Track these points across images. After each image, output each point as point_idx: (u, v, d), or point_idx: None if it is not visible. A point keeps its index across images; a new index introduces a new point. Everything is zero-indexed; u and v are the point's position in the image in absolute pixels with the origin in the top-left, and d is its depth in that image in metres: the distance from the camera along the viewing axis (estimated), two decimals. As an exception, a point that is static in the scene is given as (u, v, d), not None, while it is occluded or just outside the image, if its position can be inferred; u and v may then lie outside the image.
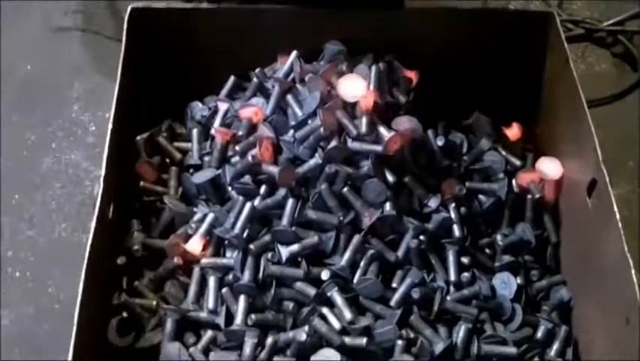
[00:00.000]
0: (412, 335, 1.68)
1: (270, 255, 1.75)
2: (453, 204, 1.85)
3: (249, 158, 1.82)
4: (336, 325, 1.65)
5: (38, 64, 2.60)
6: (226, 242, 1.79)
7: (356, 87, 1.81)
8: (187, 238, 1.82)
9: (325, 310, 1.68)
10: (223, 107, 2.02)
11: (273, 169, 1.80)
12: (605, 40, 2.71)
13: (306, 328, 1.64)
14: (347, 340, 1.63)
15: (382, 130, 1.79)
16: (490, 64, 2.10)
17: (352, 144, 1.79)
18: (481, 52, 2.09)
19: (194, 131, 2.02)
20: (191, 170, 1.98)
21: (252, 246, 1.74)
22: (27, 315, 2.04)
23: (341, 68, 1.91)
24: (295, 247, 1.74)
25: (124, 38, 1.95)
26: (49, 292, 2.08)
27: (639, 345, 1.52)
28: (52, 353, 1.94)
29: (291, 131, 1.86)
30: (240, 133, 1.89)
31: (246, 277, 1.72)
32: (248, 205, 1.77)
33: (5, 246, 2.16)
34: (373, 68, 1.90)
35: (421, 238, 1.77)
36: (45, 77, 2.58)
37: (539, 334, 1.79)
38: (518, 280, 1.82)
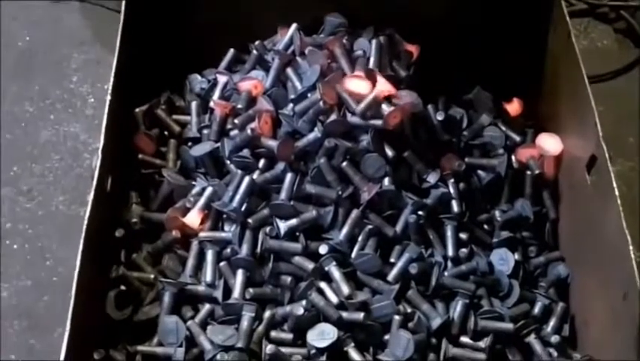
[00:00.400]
0: (409, 310, 1.67)
1: (268, 229, 1.74)
2: (452, 180, 1.84)
3: (248, 131, 1.81)
4: (334, 299, 1.65)
5: (37, 35, 2.59)
6: (224, 216, 1.79)
7: (361, 87, 1.78)
8: (185, 211, 1.82)
9: (323, 285, 1.68)
10: (222, 79, 2.01)
11: (272, 143, 1.79)
12: (608, 16, 2.70)
13: (304, 302, 1.64)
14: (344, 315, 1.63)
15: (382, 104, 1.78)
16: (491, 38, 2.08)
17: (352, 118, 1.78)
18: (483, 26, 2.07)
19: (193, 104, 2.01)
20: (189, 143, 1.97)
21: (250, 220, 1.74)
22: (26, 287, 2.05)
23: (341, 41, 1.90)
24: (293, 222, 1.74)
25: (123, 9, 1.93)
26: (48, 264, 2.08)
27: (637, 321, 1.52)
28: (51, 326, 1.95)
29: (291, 105, 1.85)
30: (239, 106, 1.88)
31: (244, 250, 1.72)
32: (246, 179, 1.76)
33: (4, 218, 2.16)
34: (374, 42, 1.89)
35: (420, 213, 1.77)
36: (44, 48, 2.57)
37: (536, 310, 1.79)
38: (516, 256, 1.82)
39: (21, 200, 2.20)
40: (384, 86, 1.77)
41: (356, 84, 1.79)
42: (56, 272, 2.07)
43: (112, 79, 1.81)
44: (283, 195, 1.75)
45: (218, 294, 1.71)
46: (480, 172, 1.93)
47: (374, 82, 1.79)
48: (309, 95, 1.82)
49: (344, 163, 1.76)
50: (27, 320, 1.99)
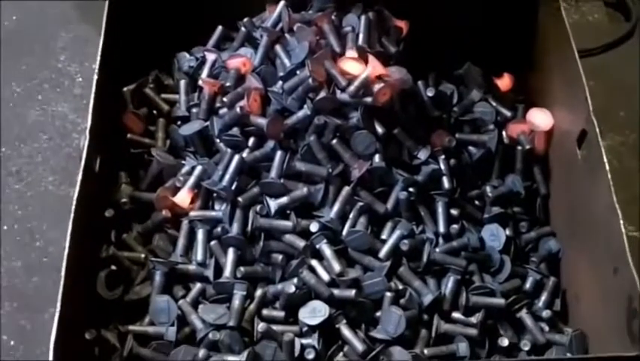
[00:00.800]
0: (400, 287, 1.67)
1: (258, 207, 1.74)
2: (443, 156, 1.84)
3: (237, 109, 1.80)
4: (325, 277, 1.65)
5: (24, 13, 2.56)
6: (214, 195, 1.78)
7: (354, 68, 1.77)
8: (175, 190, 1.81)
9: (314, 263, 1.67)
10: (211, 57, 1.99)
11: (262, 121, 1.78)
12: (599, -11, 2.68)
13: (295, 280, 1.64)
14: (336, 292, 1.63)
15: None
16: (481, 13, 2.07)
17: (341, 95, 1.77)
18: (473, 0, 2.05)
19: (182, 83, 2.00)
20: (178, 122, 1.96)
21: (240, 198, 1.73)
22: (16, 268, 2.04)
23: (330, 17, 1.88)
24: (284, 200, 1.73)
25: (109, -13, 1.91)
26: (38, 245, 2.07)
27: (627, 295, 1.52)
28: (42, 306, 1.94)
29: (280, 82, 1.84)
30: (228, 84, 1.87)
31: (235, 229, 1.72)
32: (236, 157, 1.75)
33: (-7, 199, 2.15)
34: (363, 18, 1.88)
35: (411, 189, 1.76)
36: (31, 26, 2.54)
37: (528, 285, 1.79)
38: (507, 232, 1.82)
39: (10, 181, 2.19)
40: (376, 68, 1.76)
41: (349, 65, 1.77)
42: (46, 253, 2.06)
43: (99, 58, 1.80)
44: (273, 173, 1.75)
45: (210, 273, 1.71)
46: (471, 148, 1.93)
47: (366, 62, 1.77)
48: (298, 72, 1.81)
49: (334, 140, 1.76)
50: (17, 301, 1.98)
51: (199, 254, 1.73)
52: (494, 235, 1.82)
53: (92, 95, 1.74)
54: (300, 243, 1.69)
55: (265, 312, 1.66)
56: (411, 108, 1.86)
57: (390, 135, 1.79)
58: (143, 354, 1.63)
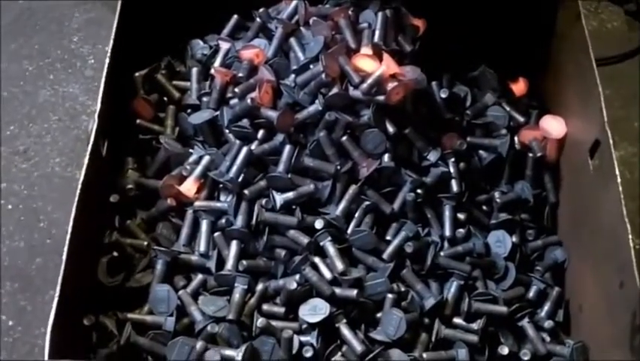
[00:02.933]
0: (402, 289, 1.66)
1: (264, 201, 1.72)
2: (452, 159, 1.82)
3: (248, 101, 1.79)
4: (328, 275, 1.64)
5: (39, -8, 2.55)
6: (220, 186, 1.77)
7: (369, 65, 1.75)
8: (181, 179, 1.80)
9: (317, 260, 1.66)
10: (225, 46, 1.97)
11: (272, 113, 1.76)
12: (619, -4, 2.66)
13: (297, 276, 1.63)
14: (337, 291, 1.62)
15: (386, 80, 1.75)
16: (499, 15, 2.05)
17: (354, 92, 1.75)
18: (492, 2, 2.03)
19: (194, 70, 1.98)
20: (189, 110, 1.94)
21: (246, 191, 1.72)
22: (18, 248, 2.03)
23: (347, 12, 1.86)
24: (290, 195, 1.72)
25: (126, -31, 1.90)
26: (42, 226, 2.07)
27: (632, 310, 1.50)
28: (43, 288, 1.94)
29: (292, 76, 1.82)
30: (240, 75, 1.86)
31: (239, 222, 1.70)
32: (244, 149, 1.74)
33: (-1, 178, 2.14)
34: (380, 15, 1.86)
35: (418, 191, 1.75)
36: (45, 5, 2.53)
37: (531, 294, 1.78)
38: (513, 239, 1.81)
39: (17, 160, 2.18)
40: (390, 66, 1.74)
41: (363, 62, 1.76)
42: (50, 234, 2.05)
43: (112, 41, 1.79)
44: (281, 167, 1.73)
45: (212, 264, 1.70)
46: (481, 152, 1.91)
47: (380, 60, 1.76)
48: (311, 66, 1.79)
49: (344, 137, 1.74)
50: (19, 282, 1.98)
51: (202, 245, 1.72)
52: (500, 242, 1.80)
53: (103, 79, 1.73)
54: (304, 239, 1.68)
55: (265, 307, 1.65)
56: (423, 109, 1.85)
57: (400, 135, 1.77)
58: (141, 343, 1.62)
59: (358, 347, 1.58)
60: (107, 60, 1.76)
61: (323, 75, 1.75)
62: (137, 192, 1.82)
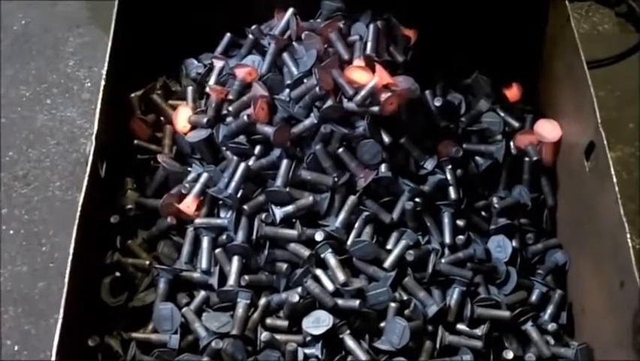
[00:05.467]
0: (405, 298, 1.67)
1: (264, 215, 1.73)
2: (449, 166, 1.83)
3: (245, 117, 1.80)
4: (330, 286, 1.64)
5: (34, 16, 2.56)
6: (220, 202, 1.77)
7: (362, 76, 1.76)
8: (181, 197, 1.80)
9: (319, 272, 1.67)
10: (218, 64, 1.99)
11: (268, 129, 1.78)
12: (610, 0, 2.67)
13: (299, 289, 1.64)
14: (340, 302, 1.62)
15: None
16: (490, 22, 2.06)
17: (348, 104, 1.76)
18: (481, 10, 2.05)
19: (189, 89, 2.00)
20: (185, 128, 1.95)
21: (245, 206, 1.73)
22: (21, 273, 2.04)
23: (338, 25, 1.88)
24: (289, 208, 1.73)
25: (118, -8, 1.91)
26: (44, 250, 2.08)
27: (634, 309, 1.51)
28: (47, 312, 1.95)
29: (287, 90, 1.83)
30: (231, 97, 1.86)
31: (240, 237, 1.71)
32: (242, 165, 1.75)
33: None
34: (371, 27, 1.87)
35: (417, 199, 1.76)
36: (40, 30, 2.55)
37: (533, 297, 1.78)
38: (514, 243, 1.81)
39: (17, 185, 2.19)
40: (383, 77, 1.75)
41: (356, 74, 1.77)
42: (52, 258, 2.06)
43: (106, 64, 1.80)
44: (279, 181, 1.74)
45: (214, 281, 1.70)
46: (478, 158, 1.92)
47: (373, 71, 1.77)
48: (305, 80, 1.80)
49: (340, 149, 1.75)
50: (22, 306, 1.99)
51: (204, 262, 1.73)
52: (500, 247, 1.81)
53: (99, 102, 1.74)
54: (305, 252, 1.69)
55: (269, 321, 1.65)
56: (418, 118, 1.86)
57: (396, 145, 1.78)
58: (146, 361, 1.63)
59: (363, 357, 1.58)
60: (103, 82, 1.77)
61: (317, 88, 1.76)
62: (137, 211, 1.83)
